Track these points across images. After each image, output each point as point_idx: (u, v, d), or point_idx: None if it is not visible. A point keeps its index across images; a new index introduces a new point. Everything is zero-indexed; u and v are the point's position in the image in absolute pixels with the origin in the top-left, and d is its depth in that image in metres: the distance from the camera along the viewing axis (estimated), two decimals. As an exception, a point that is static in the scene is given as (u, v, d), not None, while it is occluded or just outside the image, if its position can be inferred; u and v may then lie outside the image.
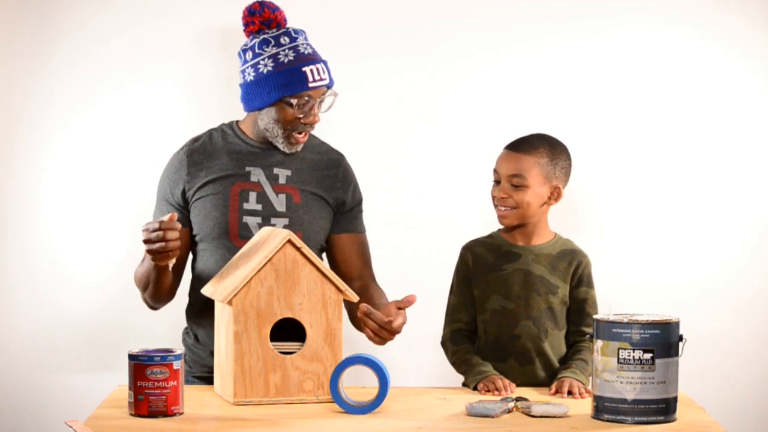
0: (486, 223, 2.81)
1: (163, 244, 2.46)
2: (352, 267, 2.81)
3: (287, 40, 2.69)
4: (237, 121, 2.83)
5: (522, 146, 2.66)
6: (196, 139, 2.81)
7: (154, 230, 2.46)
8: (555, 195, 2.67)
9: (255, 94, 2.70)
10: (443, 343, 2.72)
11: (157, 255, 2.49)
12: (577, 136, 3.13)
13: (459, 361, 2.66)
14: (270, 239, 2.41)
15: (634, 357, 2.21)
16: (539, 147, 2.65)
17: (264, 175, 2.75)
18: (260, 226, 2.70)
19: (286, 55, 2.67)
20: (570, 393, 2.50)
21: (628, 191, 3.38)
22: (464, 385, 2.65)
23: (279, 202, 2.74)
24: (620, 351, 2.22)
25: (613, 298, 2.98)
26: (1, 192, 3.30)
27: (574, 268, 2.68)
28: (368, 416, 2.28)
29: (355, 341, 2.81)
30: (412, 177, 3.37)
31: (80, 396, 3.23)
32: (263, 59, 2.68)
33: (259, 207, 2.73)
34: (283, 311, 2.36)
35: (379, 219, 3.02)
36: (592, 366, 2.35)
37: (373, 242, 2.87)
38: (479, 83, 3.36)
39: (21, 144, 3.30)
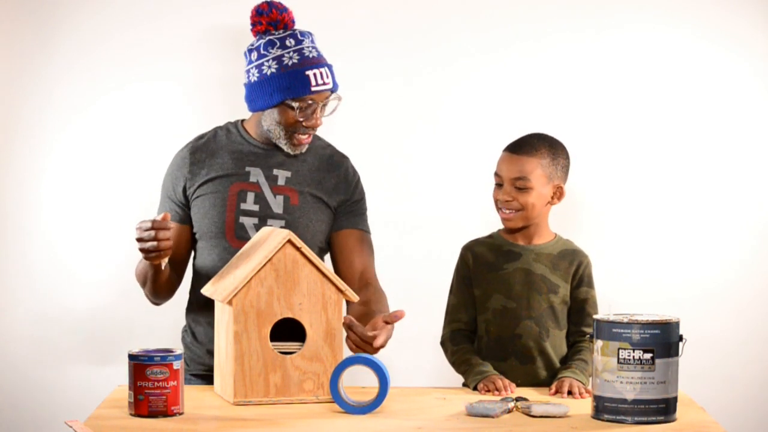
0: (487, 223, 2.81)
1: (154, 243, 2.47)
2: (351, 265, 2.78)
3: (293, 42, 2.68)
4: (242, 121, 2.83)
5: (523, 148, 2.65)
6: (200, 137, 2.82)
7: (147, 229, 2.47)
8: (558, 194, 2.67)
9: (258, 95, 2.70)
10: (443, 343, 2.72)
11: (149, 254, 2.50)
12: (577, 136, 3.14)
13: (459, 361, 2.66)
14: (270, 239, 2.41)
15: (634, 357, 2.21)
16: (540, 148, 2.65)
17: (263, 176, 2.75)
18: (257, 226, 2.70)
19: (291, 58, 2.67)
20: (570, 393, 2.50)
21: (628, 191, 3.38)
22: (464, 385, 2.65)
23: (276, 204, 2.74)
24: (620, 351, 2.22)
25: (613, 298, 2.98)
26: (1, 192, 3.30)
27: (575, 268, 2.68)
28: (368, 416, 2.28)
29: (355, 341, 2.81)
30: (412, 177, 3.37)
31: (80, 396, 3.23)
32: (268, 60, 2.68)
33: (256, 208, 2.73)
34: (283, 311, 2.36)
35: (379, 219, 3.01)
36: (592, 366, 2.35)
37: (373, 242, 2.87)
38: (479, 83, 3.36)
39: (21, 144, 3.30)
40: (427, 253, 3.33)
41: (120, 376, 2.60)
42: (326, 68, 2.69)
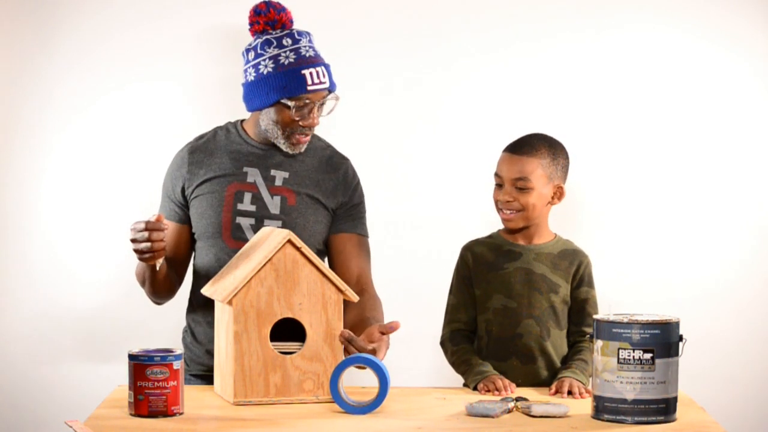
0: (487, 223, 2.81)
1: (148, 244, 2.48)
2: (348, 269, 2.76)
3: (289, 41, 2.68)
4: (242, 121, 2.83)
5: (523, 148, 2.65)
6: (200, 137, 2.82)
7: (140, 230, 2.48)
8: (558, 194, 2.67)
9: (255, 94, 2.70)
10: (442, 343, 2.72)
11: (142, 255, 2.51)
12: (577, 136, 3.14)
13: (458, 362, 2.66)
14: (270, 239, 2.41)
15: (634, 357, 2.21)
16: (540, 148, 2.65)
17: (261, 176, 2.75)
18: (253, 227, 2.70)
19: (287, 57, 2.67)
20: (570, 393, 2.50)
21: (628, 191, 3.38)
22: (464, 385, 2.65)
23: (273, 204, 2.74)
24: (620, 351, 2.21)
25: (613, 298, 2.98)
26: (1, 192, 3.30)
27: (576, 267, 2.68)
28: (368, 416, 2.28)
29: (355, 341, 2.81)
30: (412, 177, 3.37)
31: (80, 396, 3.23)
32: (264, 60, 2.68)
33: (253, 208, 2.73)
34: (283, 311, 2.36)
35: (379, 219, 3.01)
36: (592, 366, 2.35)
37: (373, 242, 2.86)
38: (479, 83, 3.36)
39: (21, 144, 3.30)
40: (427, 253, 3.33)
41: (120, 376, 2.60)
42: (323, 68, 2.69)
